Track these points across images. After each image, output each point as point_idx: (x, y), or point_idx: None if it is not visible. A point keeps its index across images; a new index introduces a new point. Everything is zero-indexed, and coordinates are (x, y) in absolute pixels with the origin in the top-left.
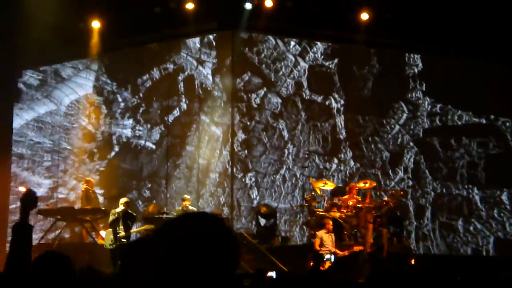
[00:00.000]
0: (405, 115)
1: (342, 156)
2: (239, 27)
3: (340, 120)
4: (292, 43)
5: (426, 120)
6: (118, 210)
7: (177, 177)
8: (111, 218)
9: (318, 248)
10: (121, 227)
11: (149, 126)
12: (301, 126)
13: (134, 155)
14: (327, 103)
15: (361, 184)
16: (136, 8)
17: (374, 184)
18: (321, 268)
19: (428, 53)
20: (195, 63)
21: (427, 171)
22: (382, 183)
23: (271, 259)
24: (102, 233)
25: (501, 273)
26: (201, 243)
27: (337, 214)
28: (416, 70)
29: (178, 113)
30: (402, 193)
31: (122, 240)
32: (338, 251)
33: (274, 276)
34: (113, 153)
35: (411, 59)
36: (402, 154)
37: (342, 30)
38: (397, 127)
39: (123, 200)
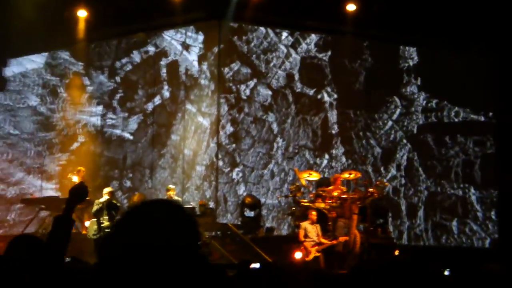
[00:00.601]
0: (398, 110)
1: (334, 151)
2: (227, 18)
3: (332, 115)
4: (284, 34)
5: (421, 116)
6: (102, 200)
7: (162, 167)
8: (95, 208)
9: (302, 239)
10: (105, 217)
11: (126, 114)
12: (291, 120)
13: (117, 145)
14: (318, 96)
15: (346, 175)
16: None
17: (359, 175)
18: (306, 259)
19: (424, 46)
20: (179, 47)
21: (420, 169)
22: (374, 180)
23: (255, 250)
24: (87, 223)
25: (485, 264)
26: (160, 228)
27: (322, 205)
28: (411, 63)
29: (160, 101)
30: (387, 184)
31: (106, 230)
32: (324, 241)
33: (258, 267)
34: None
35: (406, 52)
36: (395, 151)
37: (334, 22)
38: (390, 122)
39: (107, 190)
